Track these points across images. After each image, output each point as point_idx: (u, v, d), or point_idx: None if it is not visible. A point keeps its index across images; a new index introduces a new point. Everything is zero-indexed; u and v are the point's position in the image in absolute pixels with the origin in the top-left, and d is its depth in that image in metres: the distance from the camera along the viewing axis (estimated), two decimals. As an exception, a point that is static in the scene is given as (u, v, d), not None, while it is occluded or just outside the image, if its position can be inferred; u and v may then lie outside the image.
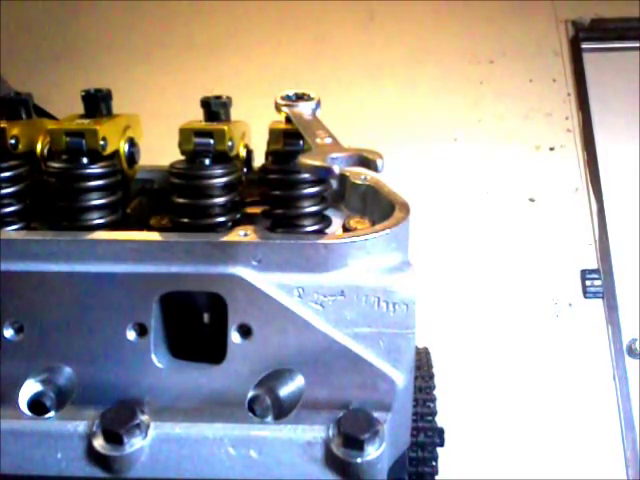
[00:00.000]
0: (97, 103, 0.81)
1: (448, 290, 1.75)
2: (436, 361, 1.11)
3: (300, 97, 0.80)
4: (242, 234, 0.73)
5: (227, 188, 0.79)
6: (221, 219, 0.79)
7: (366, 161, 0.64)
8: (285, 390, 0.72)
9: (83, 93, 0.81)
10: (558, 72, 2.05)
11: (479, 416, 1.62)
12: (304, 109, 0.78)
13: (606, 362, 1.70)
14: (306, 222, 0.80)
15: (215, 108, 0.79)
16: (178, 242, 0.72)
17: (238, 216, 0.81)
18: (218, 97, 0.80)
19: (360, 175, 0.87)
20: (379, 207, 0.83)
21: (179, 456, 0.70)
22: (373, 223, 0.80)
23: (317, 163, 0.63)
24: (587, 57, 2.06)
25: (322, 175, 0.73)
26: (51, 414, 0.72)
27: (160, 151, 0.89)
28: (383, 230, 0.74)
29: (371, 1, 2.17)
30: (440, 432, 1.01)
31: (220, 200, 0.78)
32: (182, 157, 0.79)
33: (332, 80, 2.02)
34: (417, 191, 1.26)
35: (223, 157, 0.78)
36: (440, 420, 1.02)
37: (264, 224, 0.80)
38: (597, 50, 2.08)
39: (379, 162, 0.64)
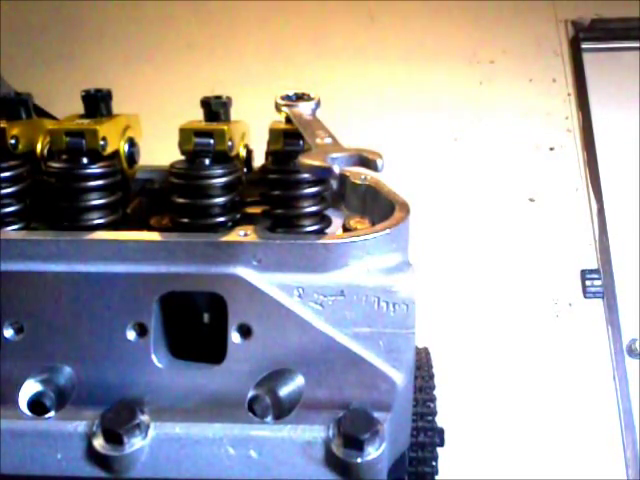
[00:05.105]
0: (97, 103, 0.81)
1: (448, 290, 1.74)
2: (436, 361, 1.11)
3: (300, 97, 0.80)
4: (242, 234, 0.73)
5: (227, 188, 0.79)
6: (221, 219, 0.79)
7: (366, 161, 0.64)
8: (285, 390, 0.72)
9: (83, 93, 0.81)
10: (558, 72, 2.04)
11: (479, 416, 1.62)
12: (304, 109, 0.78)
13: (606, 362, 1.69)
14: (306, 222, 0.80)
15: (215, 108, 0.79)
16: (178, 242, 0.72)
17: (238, 216, 0.81)
18: (218, 97, 0.80)
19: (360, 175, 0.87)
20: (379, 207, 0.83)
21: (179, 456, 0.70)
22: (373, 223, 0.80)
23: (317, 163, 0.63)
24: (587, 57, 2.06)
25: (322, 175, 0.73)
26: (51, 414, 0.72)
27: (160, 151, 0.89)
28: (383, 230, 0.74)
29: (371, 1, 2.17)
30: (440, 432, 1.01)
31: (220, 200, 0.78)
32: (182, 157, 0.79)
33: (332, 80, 2.02)
34: (417, 191, 1.26)
35: (223, 157, 0.78)
36: (440, 420, 1.02)
37: (264, 224, 0.80)
38: (597, 50, 2.07)
39: (379, 162, 0.64)
